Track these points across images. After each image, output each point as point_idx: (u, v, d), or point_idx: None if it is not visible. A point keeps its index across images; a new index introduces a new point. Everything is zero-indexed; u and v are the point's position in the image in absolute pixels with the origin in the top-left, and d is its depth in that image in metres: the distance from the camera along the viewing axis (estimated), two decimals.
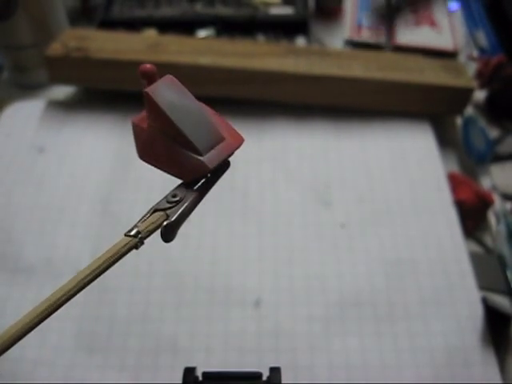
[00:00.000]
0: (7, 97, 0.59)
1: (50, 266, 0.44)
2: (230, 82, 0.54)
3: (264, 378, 0.29)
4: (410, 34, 0.66)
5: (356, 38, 0.66)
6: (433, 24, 0.68)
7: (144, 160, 0.24)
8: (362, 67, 0.55)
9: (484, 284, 0.44)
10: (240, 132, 0.24)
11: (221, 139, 0.23)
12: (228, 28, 0.65)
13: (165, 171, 0.24)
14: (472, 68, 0.61)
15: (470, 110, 0.57)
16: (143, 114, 0.24)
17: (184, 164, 0.23)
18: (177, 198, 0.22)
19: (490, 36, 0.68)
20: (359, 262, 0.45)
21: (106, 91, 0.57)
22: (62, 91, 0.59)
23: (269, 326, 0.41)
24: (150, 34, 0.63)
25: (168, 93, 0.23)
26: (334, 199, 0.49)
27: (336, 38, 0.67)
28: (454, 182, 0.50)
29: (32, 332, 0.18)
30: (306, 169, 0.52)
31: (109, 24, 0.64)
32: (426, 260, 0.45)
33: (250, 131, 0.53)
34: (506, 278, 0.44)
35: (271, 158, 0.52)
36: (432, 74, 0.55)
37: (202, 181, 0.23)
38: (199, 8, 0.66)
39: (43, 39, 0.56)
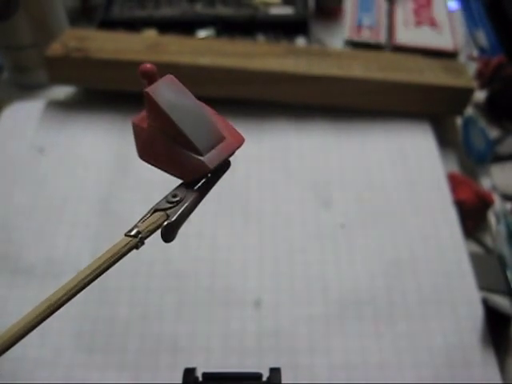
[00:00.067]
0: (7, 97, 0.59)
1: (50, 266, 0.44)
2: (230, 82, 0.54)
3: (264, 378, 0.29)
4: (409, 34, 0.66)
5: (356, 38, 0.66)
6: (433, 24, 0.68)
7: (144, 160, 0.24)
8: (361, 67, 0.55)
9: (484, 284, 0.44)
10: (240, 132, 0.24)
11: (221, 139, 0.23)
12: (228, 28, 0.65)
13: (165, 171, 0.23)
14: (472, 68, 0.61)
15: (470, 110, 0.57)
16: (143, 113, 0.24)
17: (184, 164, 0.23)
18: (177, 198, 0.22)
19: (490, 36, 0.68)
20: (359, 262, 0.45)
21: (106, 91, 0.57)
22: (62, 91, 0.59)
23: (269, 326, 0.41)
24: (150, 34, 0.63)
25: (168, 92, 0.23)
26: (334, 199, 0.49)
27: (336, 38, 0.67)
28: (453, 182, 0.50)
29: (32, 332, 0.18)
30: (306, 169, 0.52)
31: (109, 24, 0.64)
32: (426, 260, 0.45)
33: (250, 131, 0.53)
34: (506, 278, 0.44)
35: (271, 158, 0.52)
36: (432, 74, 0.55)
37: (203, 181, 0.23)
38: (199, 8, 0.66)
39: (43, 39, 0.56)
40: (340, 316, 0.42)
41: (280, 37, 0.65)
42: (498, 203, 0.50)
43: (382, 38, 0.66)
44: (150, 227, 0.21)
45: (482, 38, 0.68)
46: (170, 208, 0.22)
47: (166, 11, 0.66)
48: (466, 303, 0.42)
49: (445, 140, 0.55)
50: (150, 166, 0.24)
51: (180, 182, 0.23)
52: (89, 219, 0.47)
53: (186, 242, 0.46)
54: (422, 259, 0.45)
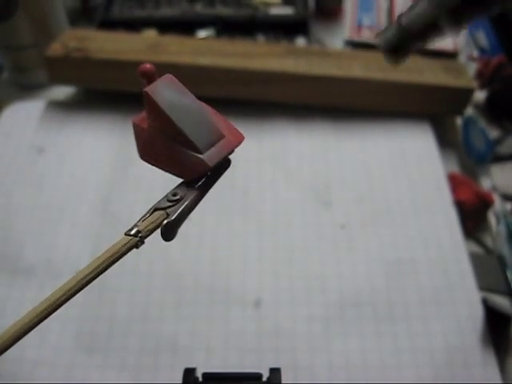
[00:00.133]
0: (7, 97, 0.59)
1: (50, 266, 0.44)
2: (230, 83, 0.54)
3: (264, 378, 0.29)
4: None
5: (356, 38, 0.66)
6: None
7: (145, 160, 0.24)
8: (361, 67, 0.55)
9: (484, 284, 0.44)
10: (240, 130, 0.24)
11: (220, 137, 0.23)
12: (228, 28, 0.65)
13: (165, 171, 0.23)
14: (472, 68, 0.61)
15: (470, 111, 0.57)
16: (143, 114, 0.24)
17: (184, 162, 0.23)
18: (177, 197, 0.22)
19: (490, 36, 0.68)
20: (359, 262, 0.45)
21: (106, 91, 0.57)
22: (62, 91, 0.59)
23: (269, 326, 0.41)
24: (150, 34, 0.63)
25: (167, 92, 0.23)
26: (334, 199, 0.49)
27: (336, 38, 0.67)
28: (454, 182, 0.50)
29: (32, 332, 0.18)
30: (305, 169, 0.52)
31: (109, 24, 0.64)
32: (426, 260, 0.45)
33: (250, 131, 0.53)
34: (506, 278, 0.44)
35: (271, 158, 0.52)
36: (432, 75, 0.55)
37: (203, 179, 0.23)
38: (199, 8, 0.66)
39: (43, 39, 0.56)
40: (340, 316, 0.42)
41: (280, 37, 0.65)
42: (498, 203, 0.50)
43: None
44: (150, 226, 0.21)
45: (482, 38, 0.68)
46: (170, 207, 0.22)
47: (166, 11, 0.66)
48: (466, 303, 0.42)
49: (445, 140, 0.55)
50: (149, 166, 0.24)
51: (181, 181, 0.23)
52: (89, 219, 0.47)
53: (186, 242, 0.46)
54: (422, 259, 0.45)
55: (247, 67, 0.53)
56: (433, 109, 0.56)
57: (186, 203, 0.22)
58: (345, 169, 0.52)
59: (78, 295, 0.19)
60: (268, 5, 0.66)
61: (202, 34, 0.64)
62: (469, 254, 0.45)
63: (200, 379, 0.29)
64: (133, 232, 0.21)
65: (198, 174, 0.23)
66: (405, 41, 0.31)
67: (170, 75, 0.23)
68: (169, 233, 0.22)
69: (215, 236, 0.46)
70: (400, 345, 0.40)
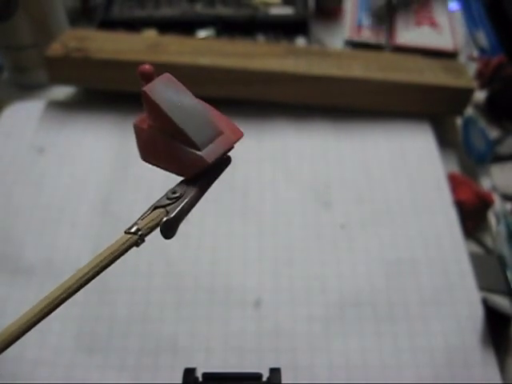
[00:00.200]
0: (7, 97, 0.59)
1: (51, 267, 0.44)
2: (230, 83, 0.54)
3: (264, 378, 0.29)
4: (409, 34, 0.66)
5: (356, 38, 0.66)
6: (433, 24, 0.68)
7: (146, 161, 0.24)
8: (361, 67, 0.55)
9: (484, 284, 0.44)
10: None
11: (219, 133, 0.23)
12: (228, 28, 0.65)
13: (166, 169, 0.24)
14: (472, 68, 0.61)
15: (470, 111, 0.57)
16: (144, 115, 0.24)
17: (183, 160, 0.23)
18: (177, 195, 0.22)
19: (490, 36, 0.68)
20: (359, 262, 0.45)
21: (106, 91, 0.57)
22: (62, 91, 0.59)
23: (269, 326, 0.41)
24: (150, 34, 0.63)
25: (166, 91, 0.23)
26: (334, 199, 0.49)
27: (336, 38, 0.67)
28: (454, 182, 0.50)
29: (32, 332, 0.18)
30: (305, 169, 0.52)
31: (109, 24, 0.64)
32: (426, 260, 0.45)
33: (250, 131, 0.53)
34: (506, 278, 0.44)
35: (271, 158, 0.52)
36: (432, 75, 0.55)
37: (203, 177, 0.23)
38: (199, 8, 0.66)
39: (43, 39, 0.56)
40: (340, 316, 0.42)
41: (280, 37, 0.65)
42: (498, 203, 0.50)
43: (382, 38, 0.66)
44: (150, 224, 0.21)
45: (482, 38, 0.68)
46: (170, 204, 0.22)
47: (166, 11, 0.66)
48: (466, 303, 0.42)
49: (445, 140, 0.55)
50: (149, 166, 0.24)
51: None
52: (89, 219, 0.47)
53: (185, 242, 0.46)
54: (422, 259, 0.45)
55: (247, 67, 0.53)
56: (433, 109, 0.56)
57: (186, 200, 0.22)
58: (345, 169, 0.52)
59: (78, 295, 0.19)
60: (268, 5, 0.66)
61: (202, 34, 0.64)
62: (469, 254, 0.45)
63: (200, 379, 0.29)
64: (133, 230, 0.21)
65: (197, 171, 0.23)
66: None
67: (168, 74, 0.23)
68: (168, 230, 0.22)
69: (215, 236, 0.46)
70: (400, 345, 0.40)
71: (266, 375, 0.29)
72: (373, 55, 0.59)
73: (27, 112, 0.56)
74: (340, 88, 0.54)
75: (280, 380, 0.28)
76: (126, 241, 0.20)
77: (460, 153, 0.55)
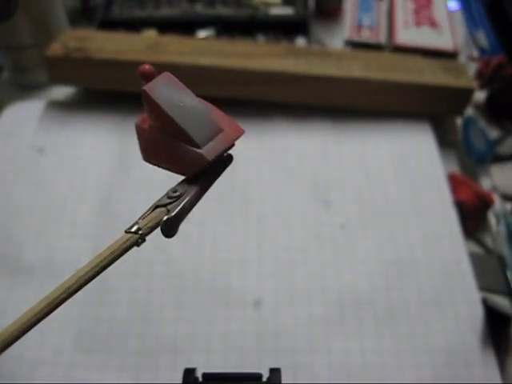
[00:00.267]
0: (7, 97, 0.59)
1: (51, 267, 0.44)
2: (230, 83, 0.54)
3: (264, 378, 0.29)
4: (409, 34, 0.66)
5: (356, 38, 0.66)
6: (433, 24, 0.68)
7: (148, 161, 0.24)
8: (361, 67, 0.55)
9: (484, 284, 0.44)
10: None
11: (219, 131, 0.23)
12: (228, 28, 0.65)
13: (167, 169, 0.24)
14: (472, 68, 0.61)
15: (470, 111, 0.57)
16: (145, 115, 0.24)
17: (183, 158, 0.23)
18: (178, 193, 0.22)
19: (490, 36, 0.68)
20: (359, 262, 0.45)
21: (106, 91, 0.57)
22: (62, 91, 0.59)
23: (269, 326, 0.41)
24: (150, 34, 0.63)
25: (165, 89, 0.23)
26: (334, 199, 0.49)
27: (336, 38, 0.67)
28: (454, 182, 0.50)
29: (32, 332, 0.18)
30: (305, 169, 0.52)
31: (109, 24, 0.64)
32: (426, 260, 0.45)
33: (250, 131, 0.53)
34: (506, 278, 0.44)
35: (271, 158, 0.52)
36: (432, 75, 0.55)
37: (204, 175, 0.23)
38: (199, 8, 0.66)
39: (43, 39, 0.56)
40: (340, 316, 0.42)
41: (280, 37, 0.65)
42: (498, 203, 0.50)
43: (382, 38, 0.66)
44: (151, 223, 0.21)
45: (482, 38, 0.68)
46: (171, 203, 0.22)
47: (166, 11, 0.66)
48: (466, 303, 0.42)
49: (445, 140, 0.55)
50: (150, 165, 0.24)
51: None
52: (89, 219, 0.47)
53: (186, 242, 0.46)
54: (421, 259, 0.45)
55: (247, 67, 0.53)
56: (433, 109, 0.56)
57: (187, 199, 0.22)
58: (345, 169, 0.52)
59: (78, 295, 0.19)
60: (268, 5, 0.66)
61: (202, 34, 0.64)
62: (469, 254, 0.45)
63: (200, 379, 0.29)
64: (133, 229, 0.21)
65: (197, 169, 0.23)
66: None
67: (168, 73, 0.23)
68: (169, 229, 0.22)
69: (215, 236, 0.46)
70: (400, 345, 0.40)
71: (266, 375, 0.29)
72: (373, 55, 0.59)
73: (27, 112, 0.56)
74: (340, 88, 0.54)
75: (280, 380, 0.28)
76: (127, 240, 0.20)
77: (460, 153, 0.55)
